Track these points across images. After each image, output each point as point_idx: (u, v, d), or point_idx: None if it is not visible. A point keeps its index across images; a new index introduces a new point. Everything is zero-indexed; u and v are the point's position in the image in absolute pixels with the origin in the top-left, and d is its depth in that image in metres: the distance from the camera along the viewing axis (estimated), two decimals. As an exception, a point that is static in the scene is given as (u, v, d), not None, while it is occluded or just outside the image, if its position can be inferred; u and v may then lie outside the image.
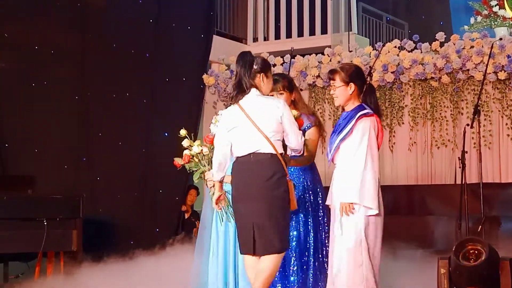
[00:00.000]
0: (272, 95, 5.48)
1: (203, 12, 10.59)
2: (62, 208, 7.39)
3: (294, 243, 5.47)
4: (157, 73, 9.71)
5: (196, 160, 5.69)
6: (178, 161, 5.73)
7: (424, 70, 8.93)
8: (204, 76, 10.38)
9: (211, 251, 5.62)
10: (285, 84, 5.59)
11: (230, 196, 5.53)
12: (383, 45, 9.13)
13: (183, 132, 5.71)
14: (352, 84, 5.08)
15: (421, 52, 9.09)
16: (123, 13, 9.36)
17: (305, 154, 5.45)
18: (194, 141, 5.69)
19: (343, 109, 5.24)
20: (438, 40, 9.03)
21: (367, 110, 5.04)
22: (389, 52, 9.25)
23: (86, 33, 9.03)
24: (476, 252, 4.87)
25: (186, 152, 5.68)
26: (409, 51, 9.16)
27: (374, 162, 4.97)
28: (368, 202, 4.93)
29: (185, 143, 5.71)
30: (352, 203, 4.93)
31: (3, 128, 8.24)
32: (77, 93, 8.92)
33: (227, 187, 5.64)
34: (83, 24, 9.02)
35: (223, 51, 10.71)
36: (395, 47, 9.29)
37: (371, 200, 4.93)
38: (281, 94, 5.56)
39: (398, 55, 9.17)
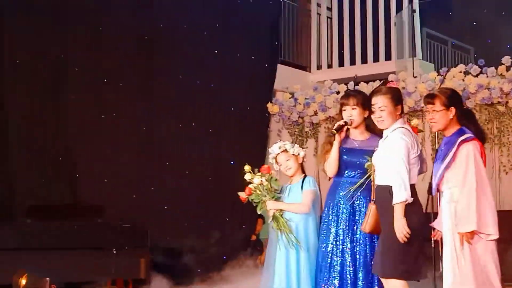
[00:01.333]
0: (345, 110, 5.55)
1: (268, 41, 10.73)
2: (130, 236, 7.54)
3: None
4: (222, 103, 9.86)
5: (258, 192, 5.76)
6: (242, 195, 5.82)
7: (490, 94, 8.84)
8: (269, 105, 10.48)
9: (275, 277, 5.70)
10: (359, 100, 5.56)
11: (292, 224, 5.61)
12: (448, 70, 9.08)
13: (247, 168, 5.80)
14: (452, 108, 4.93)
15: (487, 77, 9.00)
16: (188, 45, 9.56)
17: None
18: (258, 171, 5.79)
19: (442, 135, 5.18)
20: (504, 64, 8.93)
21: (468, 135, 4.89)
22: (454, 77, 9.18)
23: (153, 65, 9.25)
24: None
25: (249, 185, 5.79)
26: (474, 76, 9.08)
27: (485, 187, 4.84)
28: (489, 229, 4.80)
29: (247, 176, 5.80)
30: (473, 232, 4.79)
31: (75, 159, 8.48)
32: (145, 124, 9.13)
33: (287, 215, 5.71)
34: (150, 56, 9.24)
35: (287, 80, 10.80)
36: (460, 72, 9.22)
37: (491, 225, 4.80)
38: (353, 109, 5.56)
39: (463, 80, 9.10)
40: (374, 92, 5.19)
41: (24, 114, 8.27)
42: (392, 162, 4.99)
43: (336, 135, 5.52)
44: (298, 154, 5.87)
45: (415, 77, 9.80)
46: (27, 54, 8.27)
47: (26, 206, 8.02)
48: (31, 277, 6.59)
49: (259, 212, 5.88)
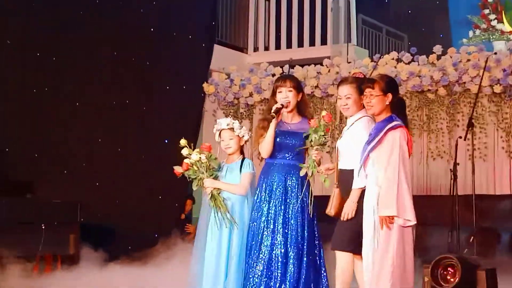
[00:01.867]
0: (280, 92, 5.66)
1: (205, 21, 10.72)
2: (60, 212, 7.48)
3: None
4: (157, 81, 9.83)
5: (195, 168, 5.79)
6: (178, 170, 5.82)
7: (421, 82, 9.04)
8: (205, 85, 10.50)
9: (206, 256, 5.75)
10: (294, 82, 5.71)
11: (228, 203, 5.68)
12: (380, 57, 9.24)
13: (183, 142, 5.80)
14: (389, 94, 5.12)
15: (418, 65, 9.19)
16: (124, 22, 9.48)
17: None
18: (193, 150, 5.80)
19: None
20: (435, 53, 9.14)
21: (397, 122, 5.07)
22: (386, 64, 9.36)
23: (89, 41, 9.13)
24: (451, 272, 4.91)
25: (186, 160, 5.79)
26: (406, 63, 9.27)
27: (407, 174, 5.01)
28: (407, 214, 4.97)
29: (185, 151, 5.80)
30: (392, 216, 4.96)
31: (4, 133, 8.34)
32: (78, 100, 9.03)
33: (225, 194, 5.77)
34: (85, 31, 9.13)
35: (223, 60, 10.82)
36: (393, 59, 9.40)
37: (409, 211, 4.97)
38: (289, 91, 5.67)
39: (395, 67, 9.28)
40: (341, 81, 5.51)
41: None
42: (358, 149, 5.20)
43: (274, 118, 5.62)
44: (243, 136, 5.92)
45: (349, 62, 9.95)
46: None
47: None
48: None
49: (194, 189, 5.89)
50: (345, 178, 5.40)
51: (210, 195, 5.75)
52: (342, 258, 5.41)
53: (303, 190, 5.67)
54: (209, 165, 5.80)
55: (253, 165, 5.89)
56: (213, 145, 5.99)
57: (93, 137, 9.16)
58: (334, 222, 5.57)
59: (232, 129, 5.89)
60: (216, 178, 5.84)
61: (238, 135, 5.90)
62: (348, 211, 5.26)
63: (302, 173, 5.62)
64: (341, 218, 5.29)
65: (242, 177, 5.82)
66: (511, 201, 8.42)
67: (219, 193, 5.77)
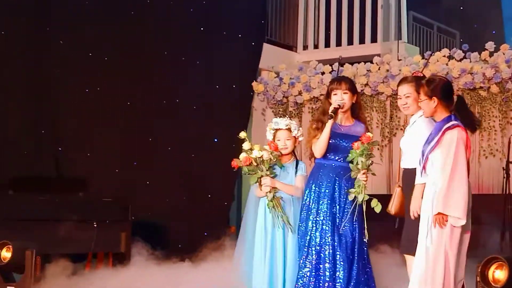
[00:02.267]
0: (336, 94, 5.69)
1: (254, 20, 10.73)
2: (112, 210, 7.58)
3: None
4: (207, 80, 9.88)
5: (255, 164, 5.80)
6: (237, 162, 5.82)
7: (473, 79, 8.91)
8: (254, 83, 10.51)
9: (257, 255, 5.75)
10: (350, 85, 5.74)
11: (282, 203, 5.69)
12: (431, 54, 9.14)
13: (242, 134, 5.82)
14: (435, 98, 5.17)
15: (470, 62, 9.06)
16: (174, 20, 9.56)
17: None
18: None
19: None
20: (487, 49, 9.00)
21: (453, 122, 5.10)
22: (438, 61, 9.24)
23: (139, 41, 9.25)
24: (500, 272, 4.87)
25: (243, 154, 5.79)
26: (458, 61, 9.14)
27: (462, 174, 5.02)
28: (458, 213, 4.98)
29: (246, 146, 5.80)
30: (445, 215, 4.98)
31: (58, 132, 8.49)
32: (129, 100, 9.14)
33: (280, 193, 5.78)
34: (136, 31, 9.24)
35: (273, 59, 10.81)
36: (444, 56, 9.28)
37: (461, 211, 4.98)
38: (345, 93, 5.70)
39: (447, 64, 9.17)
40: (401, 81, 5.60)
41: (7, 87, 8.26)
42: (418, 148, 5.25)
43: (331, 118, 5.63)
44: (299, 137, 5.94)
45: (399, 60, 9.85)
46: (10, 25, 8.24)
47: (9, 178, 8.04)
48: (15, 249, 6.63)
49: (252, 184, 5.89)
50: (408, 177, 5.41)
51: (270, 195, 5.74)
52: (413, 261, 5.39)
53: (354, 210, 5.67)
54: (270, 163, 5.80)
55: (305, 167, 5.91)
56: (263, 143, 6.02)
57: (144, 136, 9.26)
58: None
59: (289, 129, 5.90)
60: (274, 178, 5.84)
61: (295, 136, 5.91)
62: (415, 208, 5.26)
63: (350, 198, 5.64)
64: (411, 216, 5.28)
65: (297, 179, 5.85)
66: None
67: (276, 192, 5.78)
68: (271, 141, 5.86)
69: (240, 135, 5.79)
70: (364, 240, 5.68)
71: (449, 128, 5.05)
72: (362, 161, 5.59)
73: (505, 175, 7.10)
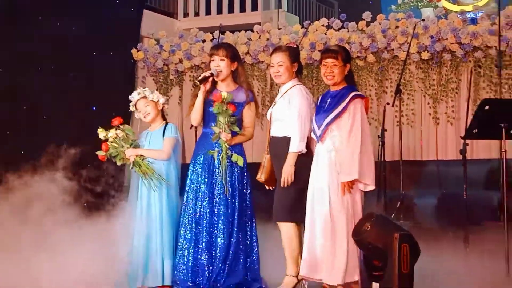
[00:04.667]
0: (213, 60, 5.65)
1: (134, -15, 10.50)
2: None
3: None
4: (84, 47, 9.57)
5: (115, 144, 5.76)
6: (100, 154, 5.81)
7: (350, 49, 9.07)
8: (133, 51, 10.33)
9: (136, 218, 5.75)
10: (228, 52, 5.68)
11: (154, 166, 5.66)
12: (310, 23, 9.25)
13: (101, 133, 5.77)
14: (348, 65, 5.32)
15: (348, 31, 9.22)
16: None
17: (250, 131, 5.72)
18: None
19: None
20: (364, 19, 9.18)
21: (358, 92, 5.26)
22: (316, 30, 9.36)
23: (14, 8, 8.83)
24: (369, 226, 5.05)
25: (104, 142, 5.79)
26: (336, 30, 9.29)
27: (368, 140, 5.20)
28: (367, 179, 5.16)
29: (101, 134, 5.79)
30: (353, 181, 5.11)
31: None
32: (5, 70, 8.74)
33: (150, 160, 5.75)
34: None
35: (153, 26, 10.64)
36: (323, 25, 9.41)
37: (371, 177, 5.17)
38: (222, 60, 5.65)
39: (325, 34, 9.29)
40: (275, 50, 5.66)
41: None
42: (293, 115, 5.40)
43: (201, 86, 5.59)
44: (158, 100, 5.89)
45: (279, 29, 9.91)
46: None
47: None
48: None
49: (119, 164, 5.87)
50: (276, 145, 5.49)
51: (133, 164, 5.73)
52: (287, 228, 5.48)
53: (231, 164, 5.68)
54: (127, 135, 5.78)
55: (176, 129, 5.89)
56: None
57: (17, 104, 8.88)
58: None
59: (144, 96, 5.88)
60: (137, 146, 5.83)
61: (153, 100, 5.88)
62: (287, 175, 5.38)
63: (211, 153, 5.62)
64: (281, 184, 5.40)
65: (164, 142, 5.83)
66: (437, 167, 8.59)
67: (143, 159, 5.76)
68: (113, 119, 5.85)
69: (98, 132, 5.78)
70: (248, 209, 5.71)
71: (357, 97, 5.20)
72: (220, 121, 5.59)
73: (380, 143, 7.30)
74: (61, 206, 5.79)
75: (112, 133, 5.77)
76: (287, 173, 5.38)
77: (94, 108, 9.30)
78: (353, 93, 5.23)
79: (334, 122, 5.21)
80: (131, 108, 5.97)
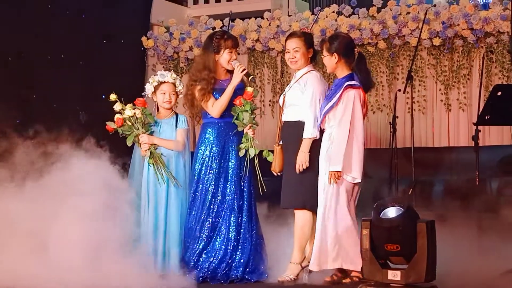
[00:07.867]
0: (231, 52, 5.79)
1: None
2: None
3: None
4: (93, 34, 9.55)
5: (129, 123, 5.72)
6: (110, 125, 5.76)
7: (361, 35, 9.02)
8: (143, 39, 10.30)
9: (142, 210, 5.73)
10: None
11: (164, 159, 5.64)
12: (321, 10, 9.20)
13: (113, 96, 5.73)
14: (336, 54, 5.34)
15: (359, 18, 9.17)
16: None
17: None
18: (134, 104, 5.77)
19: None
20: (375, 5, 9.12)
21: (353, 82, 5.27)
22: (327, 17, 9.31)
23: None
24: (395, 210, 5.01)
25: (118, 115, 5.72)
26: (347, 17, 9.23)
27: (359, 133, 5.21)
28: (353, 172, 5.21)
29: (117, 107, 5.75)
30: (339, 172, 5.15)
31: None
32: (10, 55, 8.73)
33: (161, 149, 5.72)
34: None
35: (162, 13, 10.60)
36: (333, 12, 9.35)
37: (356, 169, 5.20)
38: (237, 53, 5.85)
39: (336, 20, 9.24)
40: (290, 35, 5.68)
41: None
42: (307, 101, 5.41)
43: (237, 81, 5.74)
44: (180, 93, 5.90)
45: (290, 15, 9.86)
46: None
47: None
48: None
49: (129, 144, 5.84)
50: (289, 130, 5.48)
51: (150, 155, 5.70)
52: (303, 215, 5.49)
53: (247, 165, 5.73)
54: (145, 120, 5.75)
55: (187, 121, 5.87)
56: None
57: (27, 93, 8.87)
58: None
59: (174, 84, 5.86)
60: (152, 134, 5.80)
61: (177, 92, 5.87)
62: (302, 161, 5.41)
63: (241, 154, 5.66)
64: (297, 170, 5.40)
65: (178, 133, 5.80)
66: (449, 154, 8.54)
67: (155, 148, 5.73)
68: (137, 98, 5.83)
69: (110, 97, 5.74)
70: (252, 198, 5.74)
71: (350, 87, 5.22)
72: (248, 117, 5.61)
73: (391, 130, 7.27)
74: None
75: (130, 111, 5.72)
76: (302, 159, 5.38)
77: (103, 96, 9.26)
78: (348, 82, 5.22)
79: (331, 111, 5.26)
80: (148, 86, 5.89)
